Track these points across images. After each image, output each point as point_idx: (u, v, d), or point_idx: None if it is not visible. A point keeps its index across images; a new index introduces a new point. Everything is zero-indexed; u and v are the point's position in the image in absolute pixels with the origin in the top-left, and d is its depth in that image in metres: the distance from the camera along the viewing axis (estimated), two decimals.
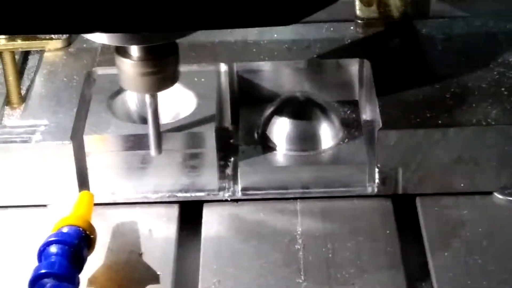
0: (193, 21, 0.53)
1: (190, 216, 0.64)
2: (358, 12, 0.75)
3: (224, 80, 0.70)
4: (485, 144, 0.63)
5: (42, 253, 0.55)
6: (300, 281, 0.58)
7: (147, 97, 0.62)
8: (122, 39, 0.57)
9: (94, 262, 0.59)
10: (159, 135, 0.64)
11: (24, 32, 0.61)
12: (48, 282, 0.53)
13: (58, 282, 0.53)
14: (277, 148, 0.66)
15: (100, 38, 0.57)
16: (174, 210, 0.64)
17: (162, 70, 0.59)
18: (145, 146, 0.64)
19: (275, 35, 0.74)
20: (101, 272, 0.59)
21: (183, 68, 0.66)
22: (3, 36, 0.71)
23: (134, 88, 0.61)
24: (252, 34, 0.76)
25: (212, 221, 0.64)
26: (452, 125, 0.63)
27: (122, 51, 0.59)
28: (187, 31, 0.58)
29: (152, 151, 0.64)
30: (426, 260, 0.60)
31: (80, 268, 0.55)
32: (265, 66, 0.71)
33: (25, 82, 0.74)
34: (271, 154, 0.66)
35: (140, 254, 0.61)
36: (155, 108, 0.62)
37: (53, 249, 0.55)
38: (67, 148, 0.63)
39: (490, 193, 0.64)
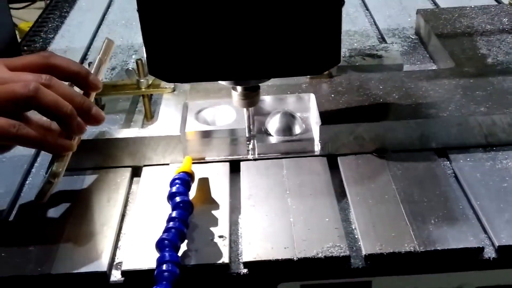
0: (260, 74, 0.57)
1: (235, 168, 0.65)
2: None
3: None
4: (368, 131, 0.65)
5: (172, 183, 0.58)
6: (287, 194, 0.61)
7: (245, 110, 0.65)
8: (233, 83, 0.61)
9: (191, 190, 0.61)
10: (250, 127, 0.66)
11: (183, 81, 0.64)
12: (176, 196, 0.57)
13: (181, 196, 0.57)
14: (273, 135, 0.67)
15: (224, 83, 0.61)
16: (227, 165, 0.65)
17: (251, 97, 0.62)
18: (212, 136, 0.65)
19: (269, 83, 0.71)
20: (193, 193, 0.61)
21: (230, 99, 0.67)
22: (144, 85, 0.70)
23: (239, 105, 0.63)
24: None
25: (245, 170, 0.65)
26: (350, 122, 0.65)
27: (234, 88, 0.62)
28: (259, 80, 0.61)
29: (247, 133, 0.66)
30: (343, 183, 0.63)
31: (189, 190, 0.59)
32: (265, 98, 0.71)
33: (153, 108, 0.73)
34: (270, 138, 0.67)
35: (214, 183, 0.63)
36: (249, 115, 0.66)
37: (177, 181, 0.58)
38: (177, 137, 0.64)
39: (371, 152, 0.66)
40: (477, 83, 0.71)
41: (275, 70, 0.55)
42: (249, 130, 0.65)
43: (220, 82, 0.60)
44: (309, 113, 0.71)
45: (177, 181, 0.59)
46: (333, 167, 0.65)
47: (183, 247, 0.55)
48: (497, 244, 0.55)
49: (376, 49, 0.81)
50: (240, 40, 0.52)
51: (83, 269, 0.54)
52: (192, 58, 0.53)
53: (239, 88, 0.60)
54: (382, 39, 0.92)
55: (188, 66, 0.54)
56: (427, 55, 0.86)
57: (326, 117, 0.66)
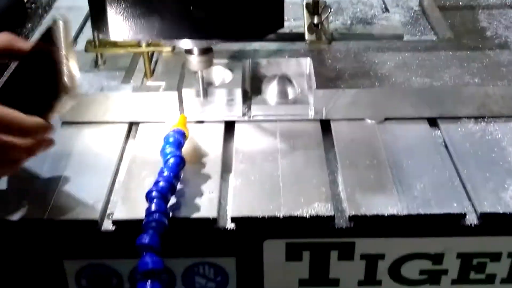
0: (202, 35, 0.56)
1: (229, 128, 0.66)
2: (306, 37, 0.75)
3: (246, 67, 0.71)
4: (362, 97, 0.65)
5: (165, 139, 0.60)
6: (279, 155, 0.62)
7: (199, 72, 0.63)
8: (190, 45, 0.60)
9: (185, 144, 0.62)
10: (205, 90, 0.65)
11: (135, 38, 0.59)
12: (168, 149, 0.58)
13: (173, 151, 0.58)
14: (269, 98, 0.68)
15: (181, 44, 0.59)
16: (222, 125, 0.67)
17: (205, 60, 0.61)
18: (208, 95, 0.66)
19: (271, 47, 0.74)
20: (186, 150, 0.63)
21: (228, 61, 0.70)
22: (144, 44, 0.69)
23: (193, 68, 0.62)
24: (257, 45, 0.75)
25: (240, 130, 0.66)
26: (346, 88, 0.65)
27: (187, 51, 0.61)
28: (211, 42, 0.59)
29: (201, 97, 0.65)
30: (334, 147, 0.64)
31: (181, 146, 0.60)
32: (263, 61, 0.72)
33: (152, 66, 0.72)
34: (266, 101, 0.67)
35: (208, 142, 0.64)
36: (203, 77, 0.64)
37: (170, 137, 0.60)
38: (174, 94, 0.65)
39: (363, 119, 0.66)
40: (474, 55, 0.72)
41: (217, 32, 0.55)
42: (204, 93, 0.65)
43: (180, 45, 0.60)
44: (306, 78, 0.72)
45: (170, 137, 0.60)
46: (326, 132, 0.66)
47: (173, 200, 0.56)
48: (479, 211, 0.56)
49: (377, 18, 0.82)
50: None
51: (76, 216, 0.56)
52: (134, 16, 0.53)
53: (194, 50, 0.60)
54: (386, 9, 0.91)
55: (129, 24, 0.54)
56: (429, 27, 0.86)
57: (322, 82, 0.66)
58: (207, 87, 0.67)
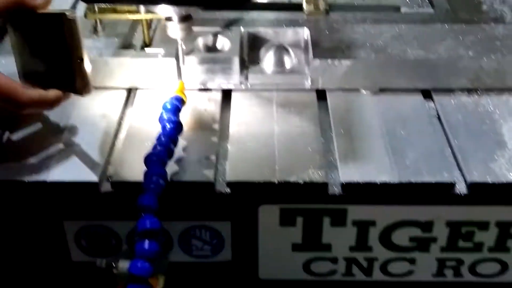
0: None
1: (226, 96, 0.67)
2: (304, 7, 0.76)
3: (244, 36, 0.70)
4: (358, 67, 0.66)
5: (164, 105, 0.60)
6: (275, 123, 0.63)
7: (178, 39, 0.63)
8: (167, 11, 0.60)
9: (183, 111, 0.62)
10: (183, 58, 0.64)
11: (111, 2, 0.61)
12: (166, 115, 0.59)
13: (170, 116, 0.59)
14: (265, 67, 0.68)
15: (159, 11, 0.59)
16: (219, 93, 0.67)
17: (184, 28, 0.61)
18: (206, 63, 0.66)
19: (269, 17, 0.74)
20: (183, 117, 0.64)
21: (225, 29, 0.71)
22: (143, 10, 0.68)
23: (172, 35, 0.62)
24: (255, 14, 0.76)
25: (237, 98, 0.67)
26: (342, 58, 0.65)
27: (168, 18, 0.61)
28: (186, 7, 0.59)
29: (181, 63, 0.64)
30: (330, 117, 0.65)
31: (179, 111, 0.60)
32: (261, 30, 0.72)
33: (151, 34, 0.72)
34: (263, 69, 0.68)
35: (205, 109, 0.66)
36: (181, 44, 0.63)
37: (168, 103, 0.60)
38: (173, 61, 0.64)
39: (358, 89, 0.67)
40: (469, 29, 0.73)
41: None
42: (183, 61, 0.65)
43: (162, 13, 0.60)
44: (303, 48, 0.72)
45: (168, 103, 0.60)
46: (322, 101, 0.67)
47: (171, 165, 0.57)
48: (468, 180, 0.58)
49: None
50: None
51: (76, 178, 0.57)
52: None
53: (174, 17, 0.61)
54: None
55: None
56: (426, 0, 0.85)
57: (318, 52, 0.67)
58: (204, 55, 0.68)
